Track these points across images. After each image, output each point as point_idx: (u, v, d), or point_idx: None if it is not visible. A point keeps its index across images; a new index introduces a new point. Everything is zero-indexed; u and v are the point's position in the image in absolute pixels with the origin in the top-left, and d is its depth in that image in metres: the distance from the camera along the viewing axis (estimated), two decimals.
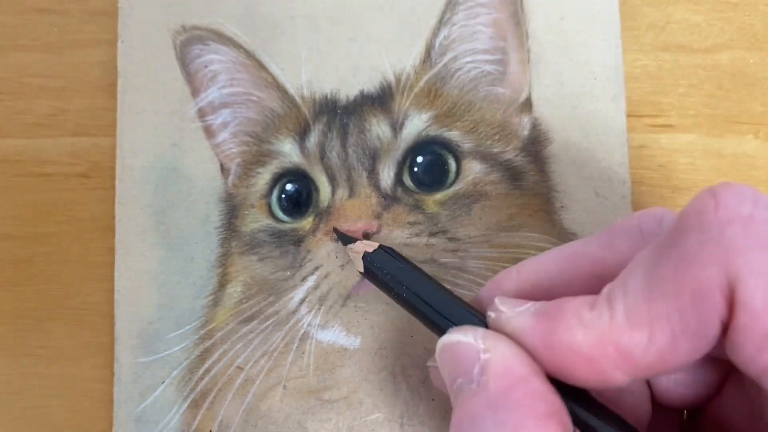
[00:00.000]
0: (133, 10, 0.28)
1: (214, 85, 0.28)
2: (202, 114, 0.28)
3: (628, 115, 0.27)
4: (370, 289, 0.26)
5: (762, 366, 0.15)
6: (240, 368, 0.26)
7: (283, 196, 0.27)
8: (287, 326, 0.26)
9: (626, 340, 0.16)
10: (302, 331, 0.26)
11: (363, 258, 0.23)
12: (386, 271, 0.22)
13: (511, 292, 0.20)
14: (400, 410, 0.26)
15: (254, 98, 0.28)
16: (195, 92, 0.28)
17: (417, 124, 0.27)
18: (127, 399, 0.26)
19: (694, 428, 0.21)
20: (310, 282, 0.26)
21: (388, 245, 0.24)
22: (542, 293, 0.19)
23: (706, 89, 0.28)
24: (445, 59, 0.28)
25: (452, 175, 0.27)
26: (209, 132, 0.28)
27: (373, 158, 0.27)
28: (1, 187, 0.28)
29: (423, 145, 0.27)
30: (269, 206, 0.27)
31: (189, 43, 0.28)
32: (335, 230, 0.26)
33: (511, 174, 0.27)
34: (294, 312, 0.26)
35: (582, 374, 0.17)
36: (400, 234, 0.26)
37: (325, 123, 0.27)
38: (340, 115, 0.27)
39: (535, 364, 0.17)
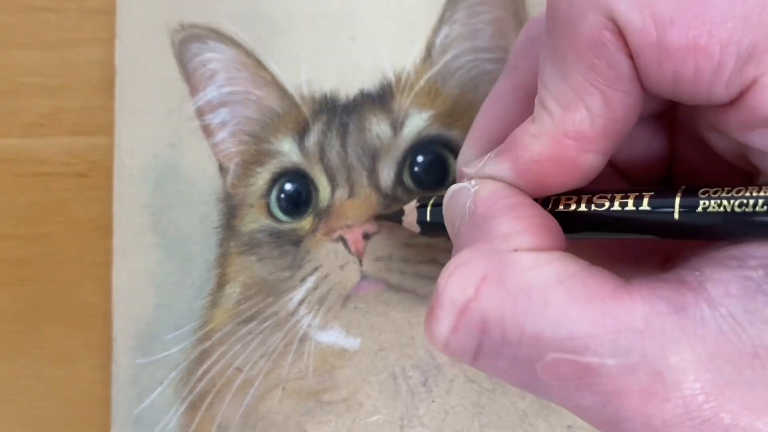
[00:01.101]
0: (131, 8, 0.28)
1: (213, 84, 0.28)
2: (200, 113, 0.28)
3: None
4: (370, 289, 0.26)
5: (669, 77, 0.16)
6: (239, 369, 0.26)
7: (282, 195, 0.27)
8: (286, 327, 0.26)
9: (572, 125, 0.17)
10: (301, 332, 0.26)
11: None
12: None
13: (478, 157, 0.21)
14: (400, 412, 0.26)
15: (253, 97, 0.28)
16: (193, 91, 0.28)
17: (417, 123, 0.27)
18: (125, 400, 0.26)
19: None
20: (310, 282, 0.26)
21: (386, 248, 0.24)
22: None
23: None
24: (446, 58, 0.28)
25: (453, 174, 0.27)
26: (208, 131, 0.28)
27: (373, 158, 0.27)
28: None
29: (423, 144, 0.27)
30: (268, 206, 0.27)
31: (187, 42, 0.28)
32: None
33: None
34: (293, 313, 0.26)
35: (559, 177, 0.18)
36: (401, 234, 0.26)
37: (325, 122, 0.27)
38: (339, 114, 0.27)
39: (519, 191, 0.18)
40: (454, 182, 0.26)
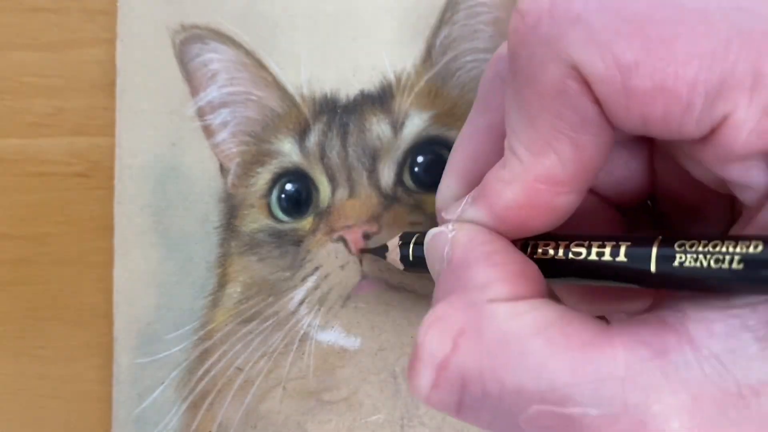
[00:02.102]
0: (132, 9, 0.28)
1: (214, 84, 0.28)
2: (201, 113, 0.28)
3: None
4: (371, 289, 0.27)
5: (638, 119, 0.16)
6: (239, 369, 0.27)
7: (283, 196, 0.28)
8: (287, 327, 0.27)
9: (543, 170, 0.17)
10: (302, 331, 0.27)
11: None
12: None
13: (457, 198, 0.21)
14: (400, 411, 0.26)
15: (254, 97, 0.28)
16: (194, 91, 0.28)
17: (417, 123, 0.27)
18: (126, 400, 0.26)
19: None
20: (310, 282, 0.27)
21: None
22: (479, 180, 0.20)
23: None
24: (446, 58, 0.28)
25: None
26: (209, 131, 0.28)
27: (373, 158, 0.27)
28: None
29: (423, 144, 0.27)
30: (269, 206, 0.28)
31: (188, 42, 0.28)
32: (363, 251, 0.26)
33: None
34: (294, 312, 0.27)
35: (536, 221, 0.18)
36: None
37: (325, 122, 0.28)
38: (340, 114, 0.28)
39: (497, 235, 0.18)
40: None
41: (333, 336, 0.27)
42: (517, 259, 0.18)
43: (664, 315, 0.16)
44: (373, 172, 0.27)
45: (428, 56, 0.28)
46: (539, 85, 0.16)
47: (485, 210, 0.19)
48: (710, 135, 0.15)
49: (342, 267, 0.26)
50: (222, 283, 0.27)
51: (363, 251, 0.26)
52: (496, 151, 0.19)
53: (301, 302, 0.27)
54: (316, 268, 0.27)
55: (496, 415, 0.16)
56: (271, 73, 0.28)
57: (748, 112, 0.14)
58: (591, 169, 0.17)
